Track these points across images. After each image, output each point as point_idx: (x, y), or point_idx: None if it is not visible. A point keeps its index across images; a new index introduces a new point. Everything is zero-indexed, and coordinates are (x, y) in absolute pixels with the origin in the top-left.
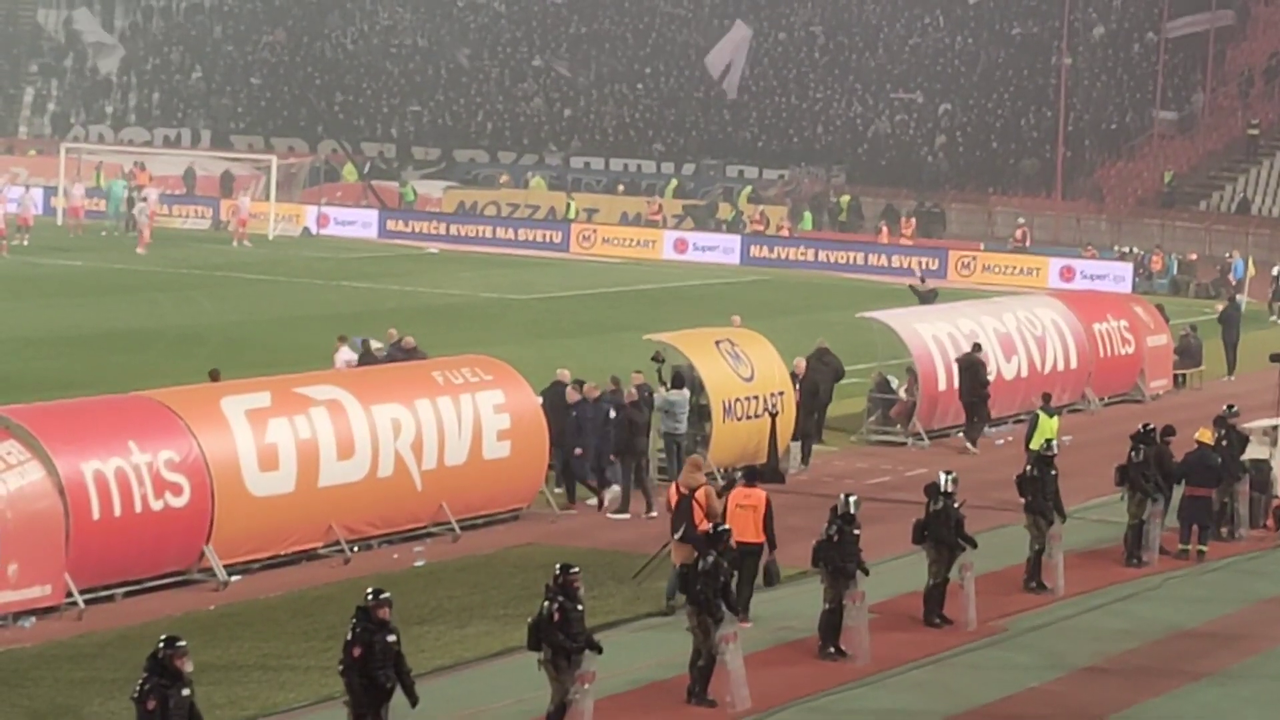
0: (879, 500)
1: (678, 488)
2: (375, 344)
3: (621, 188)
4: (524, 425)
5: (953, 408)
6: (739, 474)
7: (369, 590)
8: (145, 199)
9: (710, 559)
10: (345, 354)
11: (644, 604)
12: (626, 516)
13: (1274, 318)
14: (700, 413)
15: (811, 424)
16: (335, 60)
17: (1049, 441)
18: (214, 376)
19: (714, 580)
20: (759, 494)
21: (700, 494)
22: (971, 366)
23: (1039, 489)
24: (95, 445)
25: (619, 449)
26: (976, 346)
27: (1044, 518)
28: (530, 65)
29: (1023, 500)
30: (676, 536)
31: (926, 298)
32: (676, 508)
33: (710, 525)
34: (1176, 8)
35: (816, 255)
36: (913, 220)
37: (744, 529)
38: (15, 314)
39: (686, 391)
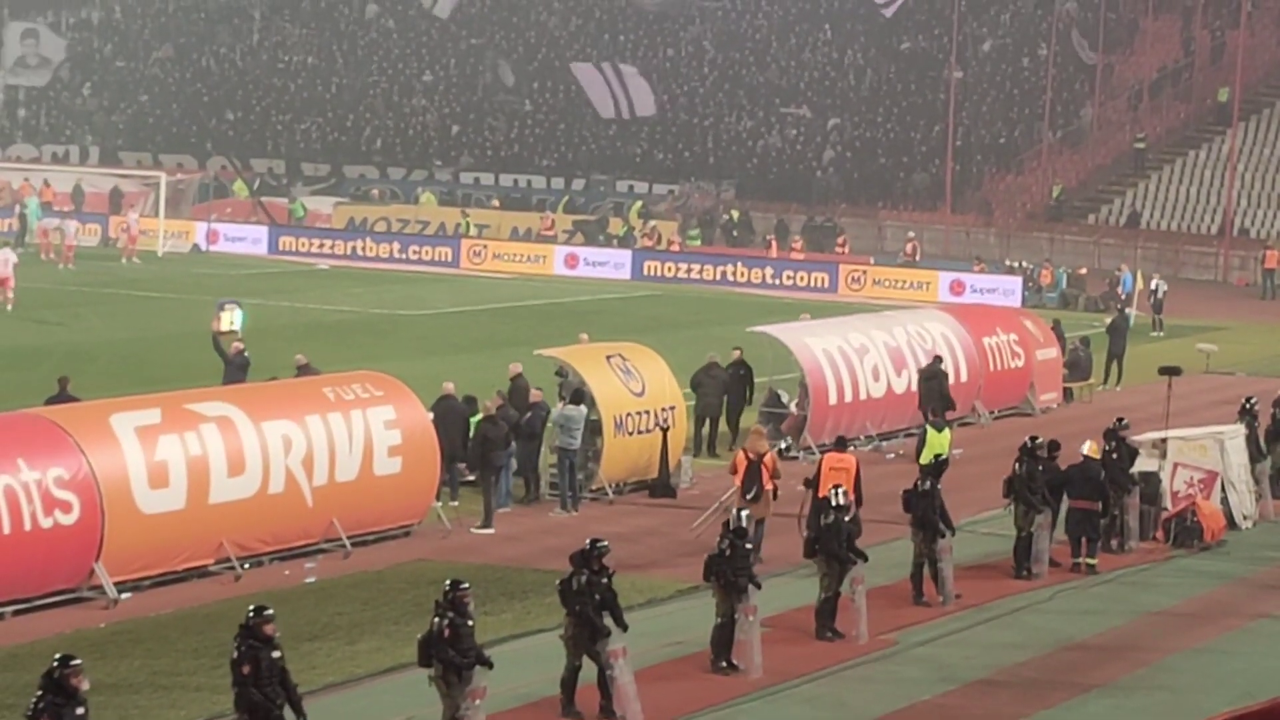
0: (771, 515)
1: (746, 454)
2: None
3: (497, 203)
4: (415, 441)
5: (844, 421)
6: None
7: (251, 607)
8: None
9: (584, 578)
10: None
11: (534, 619)
12: (491, 532)
13: (1156, 332)
14: (592, 427)
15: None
16: (224, 76)
17: (938, 457)
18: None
19: (590, 598)
20: (850, 458)
21: (768, 459)
22: (935, 377)
23: (927, 504)
24: None
25: (475, 464)
26: (938, 359)
27: (933, 531)
28: (420, 80)
29: (910, 516)
30: (749, 497)
31: None
32: (746, 472)
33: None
34: (1066, 25)
35: (705, 270)
36: (844, 238)
37: None
38: None
39: (583, 408)
